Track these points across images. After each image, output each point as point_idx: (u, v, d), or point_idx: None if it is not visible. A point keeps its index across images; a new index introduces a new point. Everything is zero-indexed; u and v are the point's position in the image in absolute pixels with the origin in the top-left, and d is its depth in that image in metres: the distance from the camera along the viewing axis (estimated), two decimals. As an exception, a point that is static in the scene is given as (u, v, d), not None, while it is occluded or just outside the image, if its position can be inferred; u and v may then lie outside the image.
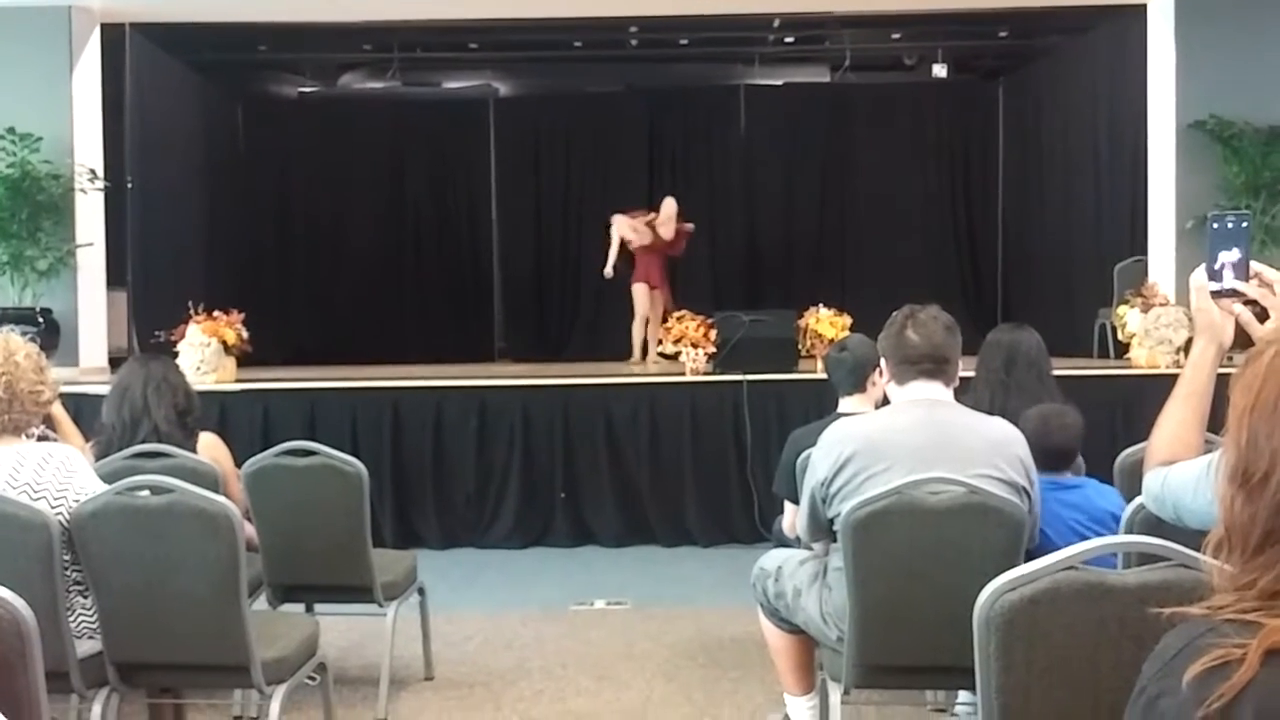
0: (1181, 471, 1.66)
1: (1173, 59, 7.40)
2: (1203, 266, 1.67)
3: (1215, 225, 1.66)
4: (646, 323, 8.18)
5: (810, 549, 2.97)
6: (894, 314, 2.73)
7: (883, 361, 2.75)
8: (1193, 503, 1.61)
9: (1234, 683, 0.92)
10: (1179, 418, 1.71)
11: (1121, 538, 2.09)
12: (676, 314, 7.02)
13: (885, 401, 2.87)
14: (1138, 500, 2.13)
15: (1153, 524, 1.86)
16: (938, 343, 2.63)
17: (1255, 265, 1.65)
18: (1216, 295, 1.65)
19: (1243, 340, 1.59)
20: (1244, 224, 1.66)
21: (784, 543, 3.42)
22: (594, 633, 4.59)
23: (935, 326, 2.64)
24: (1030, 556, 2.07)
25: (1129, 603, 1.57)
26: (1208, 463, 1.57)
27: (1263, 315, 1.63)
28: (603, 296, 10.00)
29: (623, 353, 8.70)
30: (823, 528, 2.70)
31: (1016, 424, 2.79)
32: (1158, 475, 1.71)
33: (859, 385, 3.44)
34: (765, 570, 3.05)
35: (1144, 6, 7.75)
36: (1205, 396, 1.69)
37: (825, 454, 2.64)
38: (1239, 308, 1.64)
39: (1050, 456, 2.93)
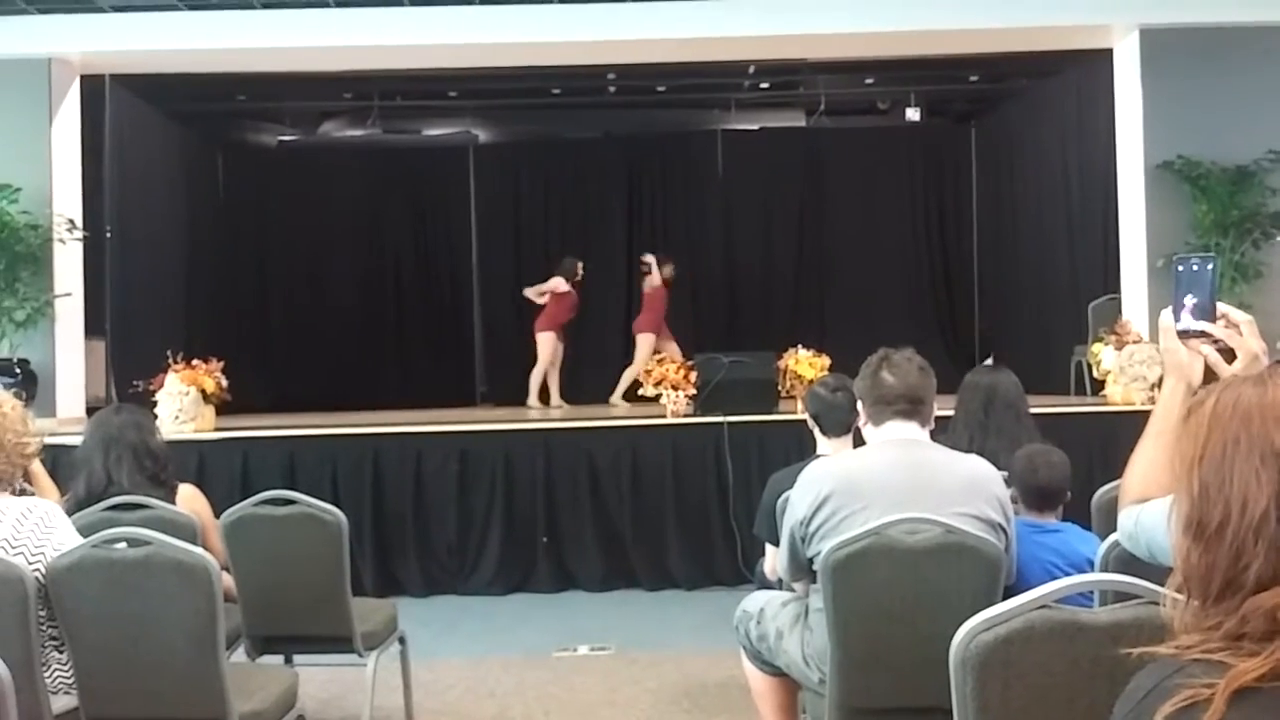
0: (1154, 509, 1.67)
1: (1139, 101, 7.55)
2: (1170, 308, 1.71)
3: (1181, 268, 1.69)
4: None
5: (792, 590, 2.97)
6: (869, 358, 2.77)
7: (859, 403, 2.79)
8: (1166, 540, 1.63)
9: (1202, 725, 0.93)
10: (1150, 456, 1.73)
11: (1092, 575, 2.11)
12: (658, 357, 7.07)
13: (861, 442, 2.90)
14: (1112, 538, 2.15)
15: (1127, 562, 1.87)
16: (912, 383, 2.67)
17: (1222, 306, 1.68)
18: (1184, 335, 1.69)
19: (1211, 380, 1.62)
20: (1209, 266, 1.69)
21: (766, 585, 3.42)
22: (577, 678, 4.56)
23: (909, 368, 2.69)
24: (1009, 597, 2.08)
25: (1102, 641, 1.58)
26: None
27: (1230, 355, 1.66)
28: (583, 340, 10.03)
29: (603, 396, 8.77)
30: (803, 568, 2.71)
31: (996, 465, 2.82)
32: (1131, 514, 1.73)
33: (849, 428, 3.45)
34: (748, 613, 3.05)
35: (1110, 50, 7.92)
36: (1175, 435, 1.71)
37: (803, 494, 2.66)
38: (1206, 348, 1.67)
39: (1038, 496, 2.95)
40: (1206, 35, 7.37)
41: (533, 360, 8.94)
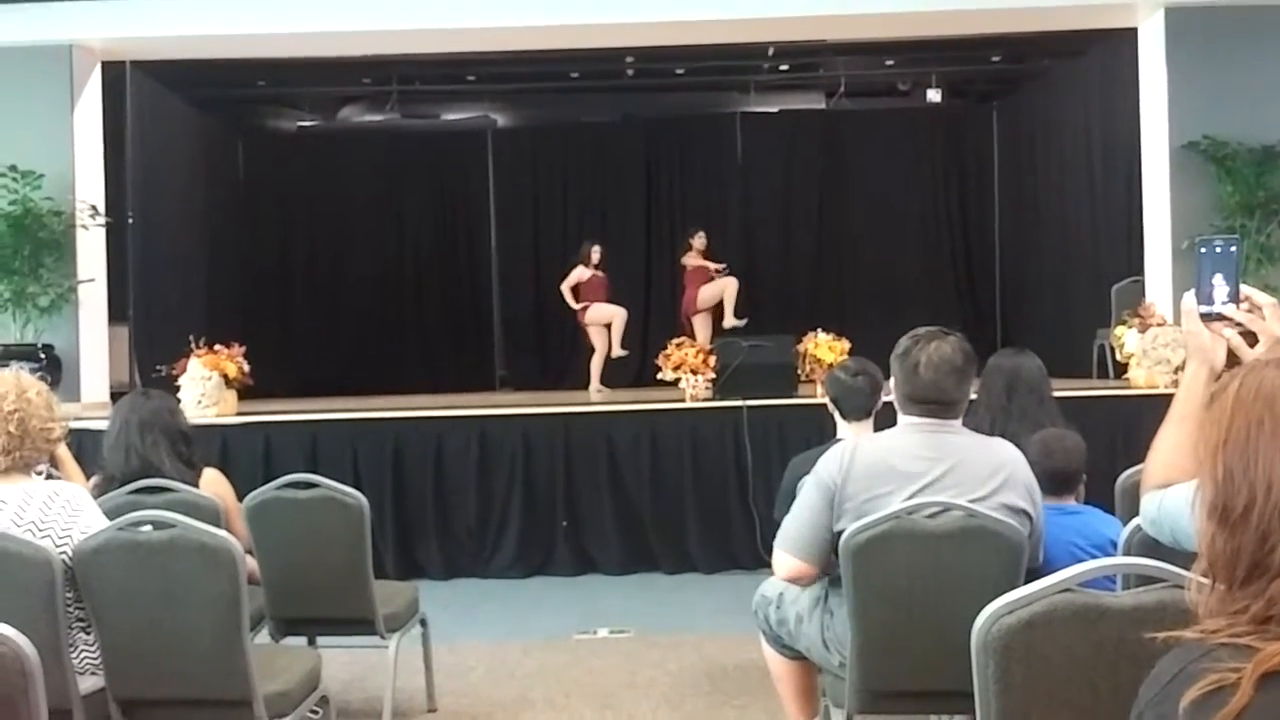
0: (1177, 495, 1.66)
1: (1164, 80, 7.46)
2: (1193, 291, 1.69)
3: (1204, 250, 1.67)
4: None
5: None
6: (916, 334, 2.64)
7: (891, 379, 2.72)
8: (1189, 525, 1.62)
9: (1230, 709, 0.92)
10: (1173, 441, 1.72)
11: (1116, 559, 2.09)
12: (676, 341, 7.06)
13: (881, 426, 2.87)
14: (1135, 521, 2.13)
15: (1151, 545, 1.86)
16: (946, 389, 2.59)
17: (1245, 289, 1.66)
18: (1206, 319, 1.67)
19: (1234, 363, 1.60)
20: (1232, 248, 1.67)
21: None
22: (597, 662, 4.58)
23: (947, 370, 2.58)
24: (1033, 580, 2.07)
25: (1125, 625, 1.57)
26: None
27: (1252, 338, 1.64)
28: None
29: (622, 380, 8.74)
30: (821, 538, 2.61)
31: (1017, 448, 2.80)
32: (1154, 498, 1.72)
33: (870, 412, 3.44)
34: (767, 597, 3.04)
35: (1134, 29, 7.82)
36: (1198, 420, 1.69)
37: (830, 462, 2.61)
38: (1229, 332, 1.65)
39: (1053, 480, 2.94)
40: (1232, 14, 7.26)
41: (573, 347, 8.84)
